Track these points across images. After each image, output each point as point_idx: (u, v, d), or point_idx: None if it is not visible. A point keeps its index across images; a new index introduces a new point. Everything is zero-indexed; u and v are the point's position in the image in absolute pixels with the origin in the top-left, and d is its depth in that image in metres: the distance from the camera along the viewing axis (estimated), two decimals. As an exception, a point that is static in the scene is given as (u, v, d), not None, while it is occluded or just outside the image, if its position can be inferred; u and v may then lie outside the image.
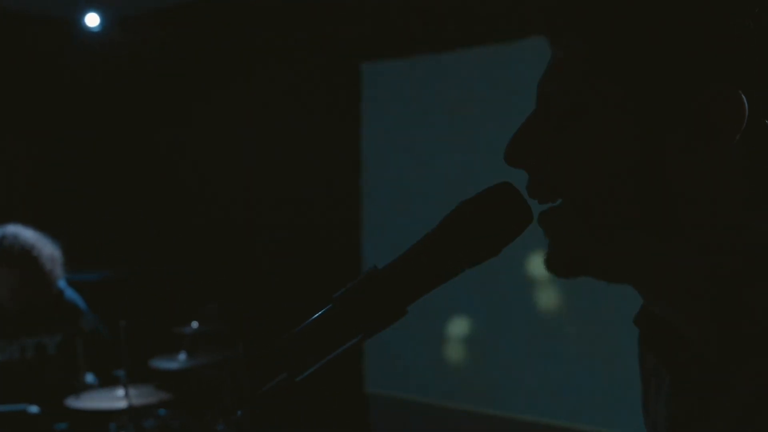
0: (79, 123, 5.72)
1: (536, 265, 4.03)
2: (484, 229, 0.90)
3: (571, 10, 0.83)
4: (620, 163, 0.79)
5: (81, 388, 3.72)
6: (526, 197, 0.90)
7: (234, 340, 3.87)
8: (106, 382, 3.81)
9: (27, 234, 3.88)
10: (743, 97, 0.74)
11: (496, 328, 4.53)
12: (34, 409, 3.38)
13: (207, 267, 5.54)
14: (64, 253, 4.05)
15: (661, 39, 0.77)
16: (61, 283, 4.00)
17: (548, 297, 4.22)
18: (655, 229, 0.79)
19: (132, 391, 3.60)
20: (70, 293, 4.03)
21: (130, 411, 3.60)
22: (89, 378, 3.80)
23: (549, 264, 0.87)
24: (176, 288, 5.38)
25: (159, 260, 5.67)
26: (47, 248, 3.90)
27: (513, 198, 0.90)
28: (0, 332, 3.87)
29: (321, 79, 5.21)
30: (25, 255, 3.80)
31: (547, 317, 4.28)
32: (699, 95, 0.76)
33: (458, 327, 4.67)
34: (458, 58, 4.57)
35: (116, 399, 3.60)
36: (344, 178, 5.11)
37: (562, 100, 0.83)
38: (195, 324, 4.01)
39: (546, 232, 0.87)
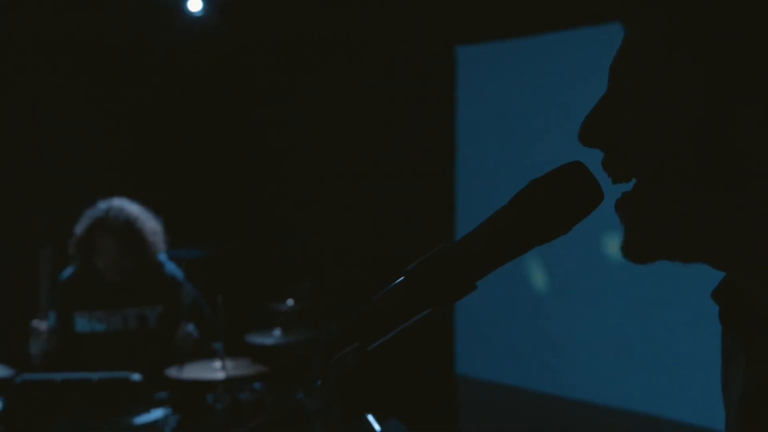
0: (181, 105, 5.91)
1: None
2: (556, 206, 0.92)
3: None
4: (690, 134, 0.80)
5: (183, 359, 3.87)
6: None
7: (327, 318, 3.96)
8: (205, 354, 3.96)
9: (131, 207, 4.07)
10: None
11: (587, 316, 4.49)
12: (136, 377, 3.52)
13: (303, 246, 5.65)
14: (166, 231, 4.23)
15: (733, 14, 0.78)
16: (162, 257, 4.16)
17: (640, 284, 4.16)
18: (726, 200, 0.80)
19: (229, 364, 3.73)
20: (171, 267, 4.19)
21: (227, 383, 3.73)
22: (190, 328, 3.93)
23: (626, 250, 0.89)
24: (273, 266, 5.52)
25: (256, 239, 5.81)
26: (150, 222, 4.08)
27: (584, 176, 0.91)
28: (104, 303, 4.06)
29: (416, 62, 5.23)
30: (129, 226, 3.98)
31: (640, 305, 4.23)
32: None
33: (549, 313, 4.65)
34: (554, 41, 4.52)
35: (214, 371, 3.72)
36: (439, 162, 5.12)
37: (634, 77, 0.85)
38: (290, 301, 4.10)
39: (622, 218, 0.89)
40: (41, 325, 3.85)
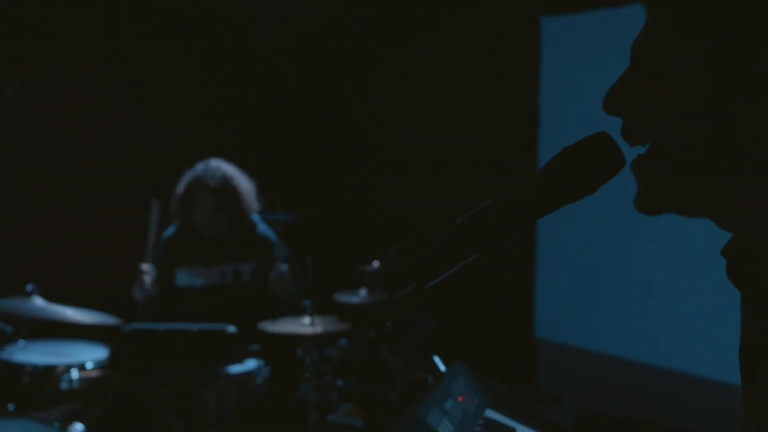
0: (274, 77, 6.16)
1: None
2: (584, 169, 1.08)
3: None
4: (695, 110, 0.93)
5: (276, 309, 4.12)
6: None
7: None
8: (295, 312, 4.20)
9: (228, 167, 4.33)
10: None
11: (666, 281, 4.54)
12: (231, 329, 3.77)
13: (389, 211, 5.84)
14: (260, 195, 4.47)
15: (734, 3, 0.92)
16: (255, 217, 4.42)
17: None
18: (725, 167, 0.93)
19: (317, 321, 3.95)
20: (263, 227, 4.44)
21: (315, 338, 3.95)
22: (284, 267, 4.16)
23: (638, 203, 1.03)
24: (360, 230, 5.74)
25: (344, 204, 6.03)
26: (244, 181, 4.33)
27: (609, 144, 1.07)
28: (202, 259, 4.33)
29: (501, 32, 5.31)
30: (226, 184, 4.24)
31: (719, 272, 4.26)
32: (765, 55, 0.89)
33: (627, 278, 4.72)
34: (638, 12, 4.54)
35: (303, 326, 3.95)
36: (522, 132, 5.21)
37: (649, 56, 0.99)
38: (376, 263, 4.29)
39: (636, 175, 1.04)
40: (147, 268, 4.16)
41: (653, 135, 0.99)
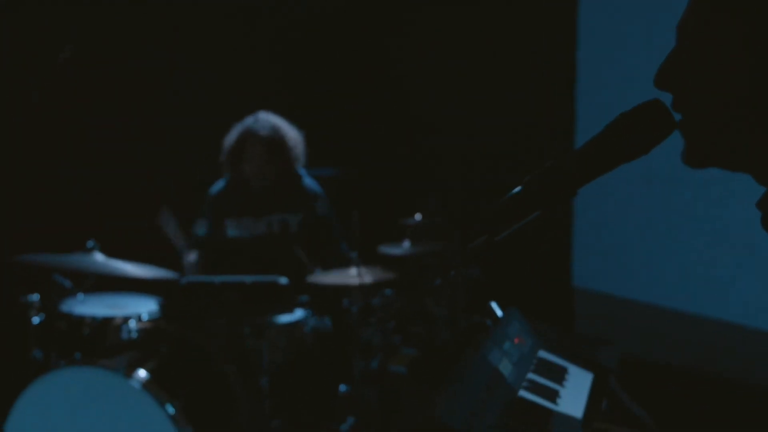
0: (318, 35, 6.26)
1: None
2: (639, 131, 1.21)
3: None
4: (737, 83, 1.08)
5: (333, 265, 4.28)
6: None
7: (452, 230, 4.26)
8: (337, 265, 4.34)
9: (276, 119, 4.47)
10: None
11: (702, 230, 4.62)
12: (283, 280, 3.93)
13: (430, 166, 5.97)
14: (306, 149, 4.60)
15: None
16: (302, 171, 4.56)
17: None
18: (763, 128, 1.09)
19: (363, 271, 4.07)
20: (309, 180, 4.58)
21: (361, 288, 4.11)
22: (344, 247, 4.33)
23: (685, 158, 1.19)
24: (403, 184, 5.87)
25: (389, 159, 6.16)
26: (292, 133, 4.46)
27: (661, 110, 1.20)
28: (250, 210, 4.46)
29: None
30: (275, 134, 4.37)
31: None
32: None
33: (659, 229, 4.82)
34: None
35: (349, 277, 4.09)
36: (559, 101, 5.28)
37: (694, 36, 1.13)
38: (418, 216, 4.41)
39: (684, 135, 1.18)
40: (192, 258, 4.36)
41: (698, 104, 1.14)
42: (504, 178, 5.39)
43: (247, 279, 3.94)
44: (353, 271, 4.07)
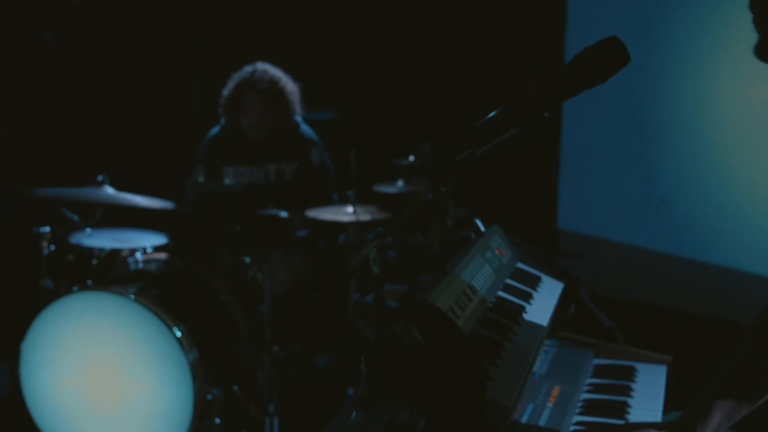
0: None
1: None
2: (598, 61, 1.44)
3: None
4: None
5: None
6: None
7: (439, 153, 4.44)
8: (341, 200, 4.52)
9: (274, 69, 4.60)
10: None
11: (688, 170, 4.83)
12: (284, 214, 4.15)
13: (423, 109, 6.16)
14: (303, 96, 4.76)
15: None
16: (298, 119, 4.72)
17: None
18: None
19: (359, 209, 4.22)
20: (305, 128, 4.72)
21: (357, 225, 4.31)
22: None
23: (757, 50, 1.41)
24: (397, 127, 6.07)
25: (383, 102, 6.35)
26: (290, 83, 4.59)
27: (618, 45, 1.43)
28: (248, 158, 4.59)
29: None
30: (273, 84, 4.49)
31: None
32: None
33: (646, 170, 5.02)
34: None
35: (346, 214, 4.25)
36: (548, 39, 5.46)
37: None
38: (411, 157, 4.59)
39: (757, 27, 1.38)
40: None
41: None
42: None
43: (252, 213, 4.14)
44: (350, 208, 4.24)
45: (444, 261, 1.74)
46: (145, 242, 4.31)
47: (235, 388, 3.96)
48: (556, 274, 2.03)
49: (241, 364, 4.09)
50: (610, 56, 1.43)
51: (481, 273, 1.80)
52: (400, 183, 4.52)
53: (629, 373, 2.09)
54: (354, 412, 1.34)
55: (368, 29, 6.50)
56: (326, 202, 4.57)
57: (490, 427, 1.37)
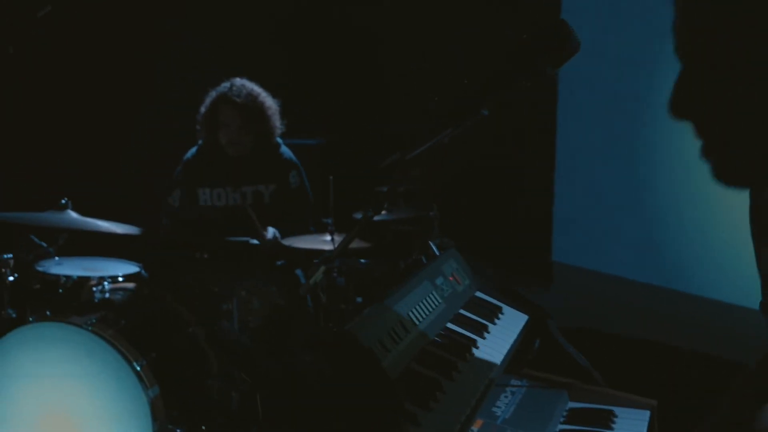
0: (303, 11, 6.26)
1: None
2: (537, 48, 1.24)
3: None
4: (753, 93, 1.03)
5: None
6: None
7: (428, 200, 4.27)
8: (318, 229, 4.34)
9: (253, 85, 4.44)
10: None
11: (681, 204, 4.64)
12: (254, 242, 3.95)
13: (410, 137, 5.97)
14: (284, 119, 4.58)
15: None
16: (279, 140, 4.54)
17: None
18: None
19: (337, 238, 4.09)
20: (286, 150, 4.56)
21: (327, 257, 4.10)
22: (270, 233, 4.29)
23: (716, 176, 1.16)
24: (379, 152, 5.88)
25: (364, 129, 6.18)
26: (269, 99, 4.43)
27: (568, 29, 1.23)
28: (225, 180, 4.44)
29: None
30: (252, 100, 4.34)
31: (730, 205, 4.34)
32: None
33: (639, 204, 4.84)
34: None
35: (324, 243, 4.11)
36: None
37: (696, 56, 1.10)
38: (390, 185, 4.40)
39: (709, 159, 1.15)
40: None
41: (722, 124, 1.09)
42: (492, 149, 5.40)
43: (220, 240, 3.95)
44: (328, 237, 4.08)
45: (384, 287, 1.52)
46: (117, 271, 4.11)
47: (203, 428, 3.71)
48: (520, 305, 1.80)
49: (210, 402, 3.86)
50: (551, 43, 1.22)
51: (426, 301, 1.58)
52: (383, 211, 4.33)
53: (607, 419, 1.85)
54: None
55: (356, 53, 6.35)
56: (302, 227, 4.37)
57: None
